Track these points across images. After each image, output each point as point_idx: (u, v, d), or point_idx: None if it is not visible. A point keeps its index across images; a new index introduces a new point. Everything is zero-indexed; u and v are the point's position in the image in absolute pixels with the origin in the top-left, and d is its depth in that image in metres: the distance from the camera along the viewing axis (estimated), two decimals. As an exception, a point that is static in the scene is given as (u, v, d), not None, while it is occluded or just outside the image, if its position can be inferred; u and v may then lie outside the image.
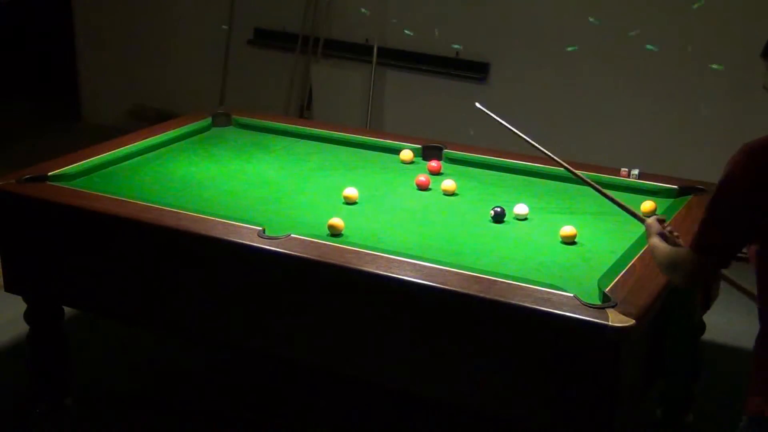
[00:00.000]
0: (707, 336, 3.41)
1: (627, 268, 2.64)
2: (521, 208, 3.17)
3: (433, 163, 3.59)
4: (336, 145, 3.92)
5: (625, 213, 2.79)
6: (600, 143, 5.22)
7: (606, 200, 3.22)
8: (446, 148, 3.74)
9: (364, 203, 3.27)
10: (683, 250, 2.27)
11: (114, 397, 3.59)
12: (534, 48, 5.38)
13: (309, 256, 2.71)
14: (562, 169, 3.50)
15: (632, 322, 2.32)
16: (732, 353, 4.03)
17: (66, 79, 7.36)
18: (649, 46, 4.88)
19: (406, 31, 5.61)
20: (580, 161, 3.71)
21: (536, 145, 2.92)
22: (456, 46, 5.44)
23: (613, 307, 2.38)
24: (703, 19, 4.93)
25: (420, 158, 3.73)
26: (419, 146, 3.76)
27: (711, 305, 3.32)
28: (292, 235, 2.82)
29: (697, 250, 2.17)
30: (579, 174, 2.93)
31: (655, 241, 2.43)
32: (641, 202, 3.20)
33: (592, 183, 2.91)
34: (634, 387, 2.61)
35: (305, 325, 2.81)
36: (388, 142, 3.86)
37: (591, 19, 5.18)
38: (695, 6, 4.74)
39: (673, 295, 2.64)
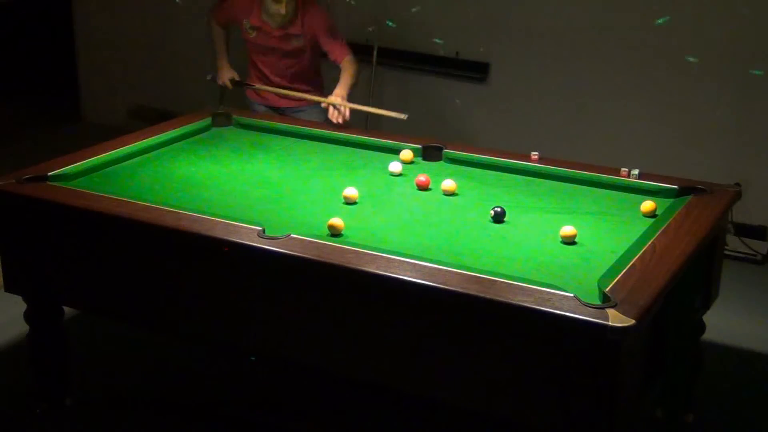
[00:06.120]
0: (707, 336, 3.41)
1: (627, 268, 2.63)
2: (395, 166, 3.48)
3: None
4: (336, 145, 3.92)
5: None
6: (600, 143, 5.22)
7: (606, 200, 3.22)
8: (446, 148, 3.74)
9: (364, 203, 3.27)
10: None
11: (114, 397, 3.59)
12: (534, 48, 5.38)
13: (309, 256, 2.70)
14: (562, 169, 3.53)
15: (632, 322, 2.32)
16: (732, 353, 4.03)
17: (66, 79, 7.36)
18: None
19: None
20: (580, 161, 3.72)
21: None
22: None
23: (613, 307, 2.38)
24: (703, 20, 4.93)
25: (420, 158, 3.73)
26: (419, 146, 3.76)
27: (711, 305, 3.32)
28: (292, 235, 2.81)
29: None
30: None
31: None
32: (641, 202, 3.20)
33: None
34: (634, 387, 2.61)
35: (305, 325, 2.81)
36: (388, 142, 3.86)
37: (591, 19, 5.18)
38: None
39: (673, 295, 2.64)
